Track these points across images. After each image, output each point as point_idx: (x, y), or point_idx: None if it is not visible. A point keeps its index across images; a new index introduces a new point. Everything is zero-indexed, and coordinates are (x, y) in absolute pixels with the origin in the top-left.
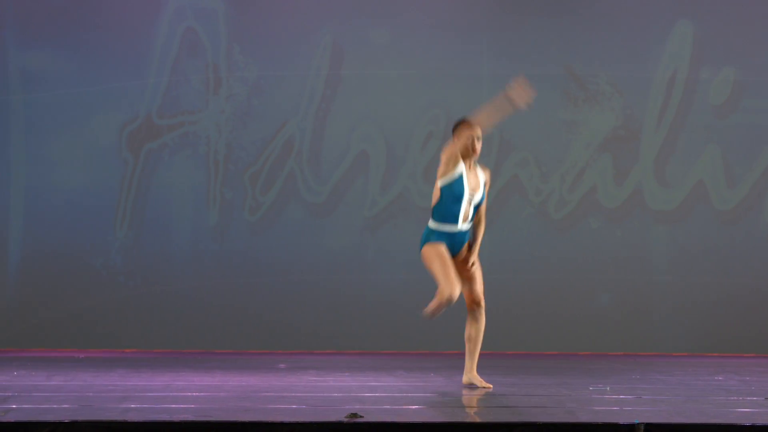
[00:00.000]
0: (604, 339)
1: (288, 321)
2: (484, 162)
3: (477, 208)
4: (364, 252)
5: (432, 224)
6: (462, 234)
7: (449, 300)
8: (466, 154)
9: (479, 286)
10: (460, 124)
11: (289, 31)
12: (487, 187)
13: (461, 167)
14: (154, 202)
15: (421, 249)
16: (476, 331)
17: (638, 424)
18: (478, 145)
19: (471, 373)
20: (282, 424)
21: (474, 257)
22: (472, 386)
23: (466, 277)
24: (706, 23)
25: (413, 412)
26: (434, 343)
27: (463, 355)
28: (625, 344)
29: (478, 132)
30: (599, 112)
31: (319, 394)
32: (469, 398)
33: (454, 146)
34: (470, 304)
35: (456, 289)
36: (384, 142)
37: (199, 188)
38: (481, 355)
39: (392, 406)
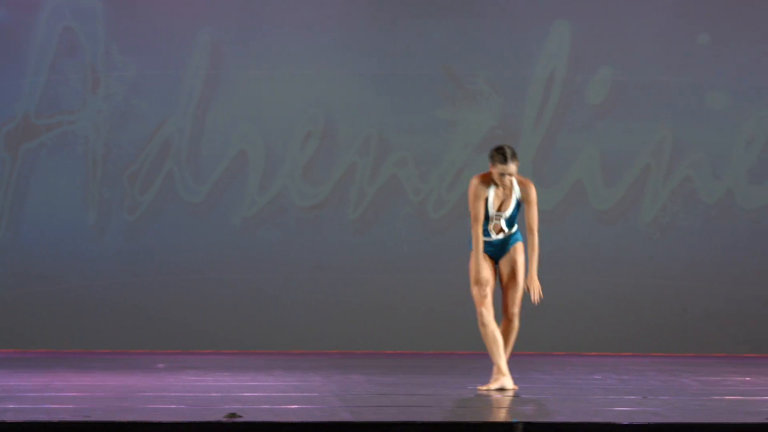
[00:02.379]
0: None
1: (166, 320)
2: (365, 162)
3: (512, 218)
4: (242, 251)
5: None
6: (498, 241)
7: (477, 283)
8: (496, 182)
9: (512, 300)
10: (493, 155)
11: (167, 31)
12: (531, 200)
13: (489, 192)
14: (33, 202)
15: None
16: (504, 336)
17: (517, 423)
18: (506, 180)
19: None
20: (160, 424)
21: (531, 279)
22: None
23: (505, 281)
24: (583, 24)
25: (292, 411)
26: (313, 342)
27: (344, 354)
28: None
29: (510, 170)
30: (477, 111)
31: (198, 393)
32: (348, 397)
33: (474, 181)
34: (505, 311)
35: (481, 273)
36: (263, 141)
37: (77, 188)
38: (361, 354)
39: (271, 405)
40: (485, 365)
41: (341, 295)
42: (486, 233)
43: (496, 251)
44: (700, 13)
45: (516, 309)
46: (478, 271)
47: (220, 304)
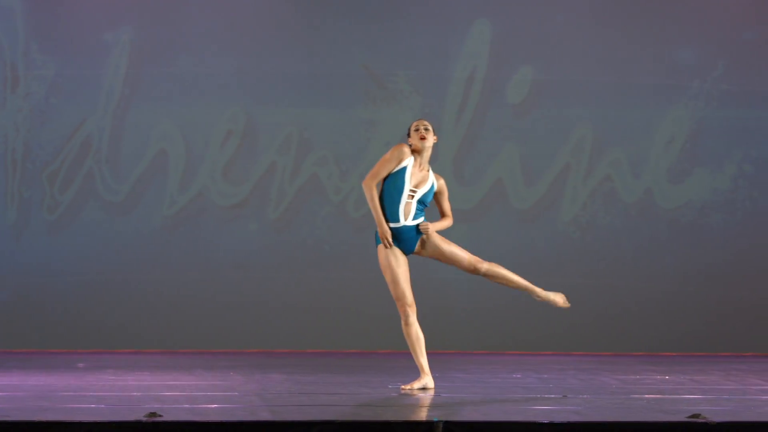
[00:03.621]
0: (402, 337)
1: (87, 319)
2: (286, 161)
3: (422, 205)
4: (162, 250)
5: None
6: (406, 229)
7: (406, 307)
8: (417, 147)
9: (459, 253)
10: (410, 125)
11: (87, 29)
12: (445, 191)
13: (408, 162)
14: None
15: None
16: (507, 278)
17: (437, 421)
18: (426, 133)
19: None
20: (80, 424)
21: (429, 226)
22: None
23: (440, 256)
24: (503, 23)
25: (212, 411)
26: (233, 341)
27: (264, 354)
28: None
29: (425, 122)
30: (398, 111)
31: (118, 393)
32: (269, 397)
33: (400, 144)
34: (472, 271)
35: (407, 296)
36: (183, 140)
37: None
38: (281, 353)
39: (191, 405)
40: (406, 364)
41: (261, 294)
42: (395, 217)
43: (406, 243)
44: (617, 13)
45: (478, 262)
46: (395, 282)
47: (140, 303)
